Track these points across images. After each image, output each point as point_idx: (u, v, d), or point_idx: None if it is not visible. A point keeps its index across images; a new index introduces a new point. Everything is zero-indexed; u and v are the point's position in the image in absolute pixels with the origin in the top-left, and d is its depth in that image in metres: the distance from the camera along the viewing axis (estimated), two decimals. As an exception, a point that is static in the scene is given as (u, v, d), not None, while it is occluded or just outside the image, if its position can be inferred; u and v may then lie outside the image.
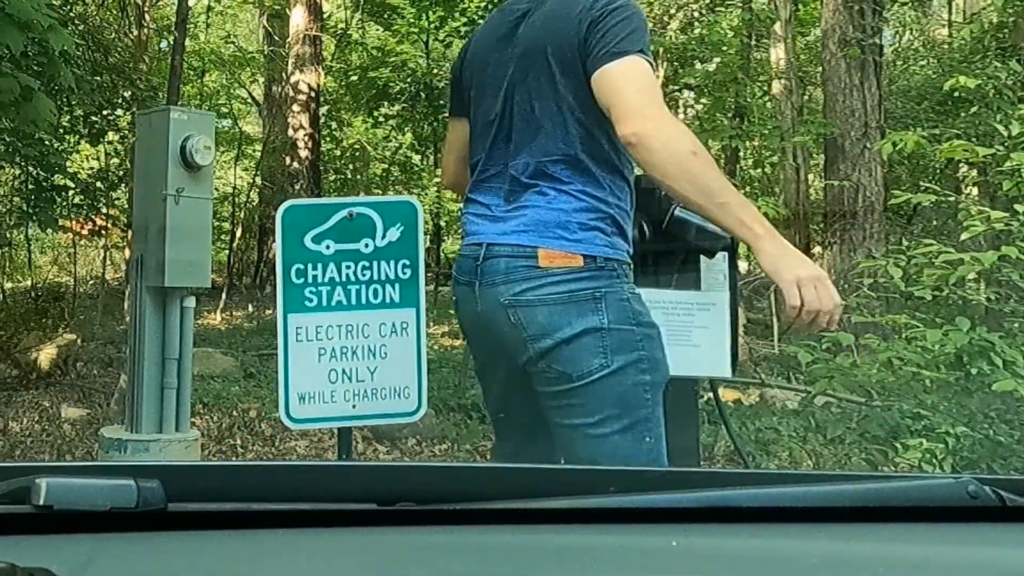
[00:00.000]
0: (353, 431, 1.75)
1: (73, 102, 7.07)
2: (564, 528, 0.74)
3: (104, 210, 8.43)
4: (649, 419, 1.40)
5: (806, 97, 8.67)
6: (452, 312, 2.10)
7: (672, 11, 8.58)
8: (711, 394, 2.36)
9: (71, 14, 7.24)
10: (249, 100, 13.04)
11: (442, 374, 5.32)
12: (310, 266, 1.46)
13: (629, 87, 1.38)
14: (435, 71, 9.71)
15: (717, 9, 8.88)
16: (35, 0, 3.70)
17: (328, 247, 1.46)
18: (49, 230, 8.26)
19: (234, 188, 11.73)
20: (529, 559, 0.69)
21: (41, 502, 0.64)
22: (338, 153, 12.48)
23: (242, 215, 11.48)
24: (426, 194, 10.46)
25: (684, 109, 10.37)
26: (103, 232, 8.81)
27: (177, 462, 2.14)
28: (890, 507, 0.77)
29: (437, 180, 9.71)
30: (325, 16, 11.18)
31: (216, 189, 7.03)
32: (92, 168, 8.75)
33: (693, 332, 1.89)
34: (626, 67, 1.38)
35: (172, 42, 8.49)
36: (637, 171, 1.58)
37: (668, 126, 1.36)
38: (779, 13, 7.57)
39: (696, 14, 8.91)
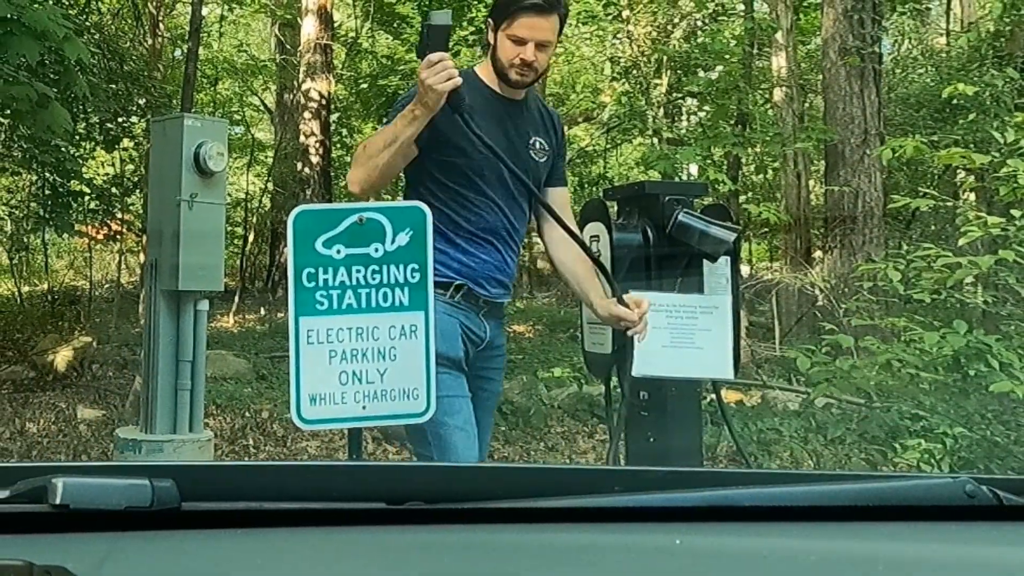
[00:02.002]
0: (363, 432, 1.76)
1: (89, 109, 7.15)
2: (571, 527, 0.75)
3: (119, 215, 8.51)
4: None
5: (807, 104, 8.63)
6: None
7: (676, 20, 8.59)
8: (714, 395, 2.37)
9: (86, 24, 7.32)
10: (261, 107, 13.12)
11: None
12: (321, 270, 1.47)
13: None
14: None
15: (720, 19, 8.87)
16: (51, 11, 3.76)
17: (338, 251, 1.47)
18: (65, 235, 8.36)
19: (246, 194, 11.80)
20: (536, 557, 0.70)
21: (58, 501, 0.65)
22: (348, 159, 12.52)
23: (254, 220, 11.53)
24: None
25: (687, 116, 10.34)
26: (118, 237, 8.88)
27: (191, 462, 2.16)
28: (889, 506, 0.77)
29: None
30: (336, 25, 11.23)
31: (229, 195, 7.05)
32: (107, 174, 8.82)
33: (696, 335, 1.90)
34: None
35: (186, 51, 8.56)
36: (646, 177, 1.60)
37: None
38: (780, 22, 7.56)
39: (699, 23, 8.91)
